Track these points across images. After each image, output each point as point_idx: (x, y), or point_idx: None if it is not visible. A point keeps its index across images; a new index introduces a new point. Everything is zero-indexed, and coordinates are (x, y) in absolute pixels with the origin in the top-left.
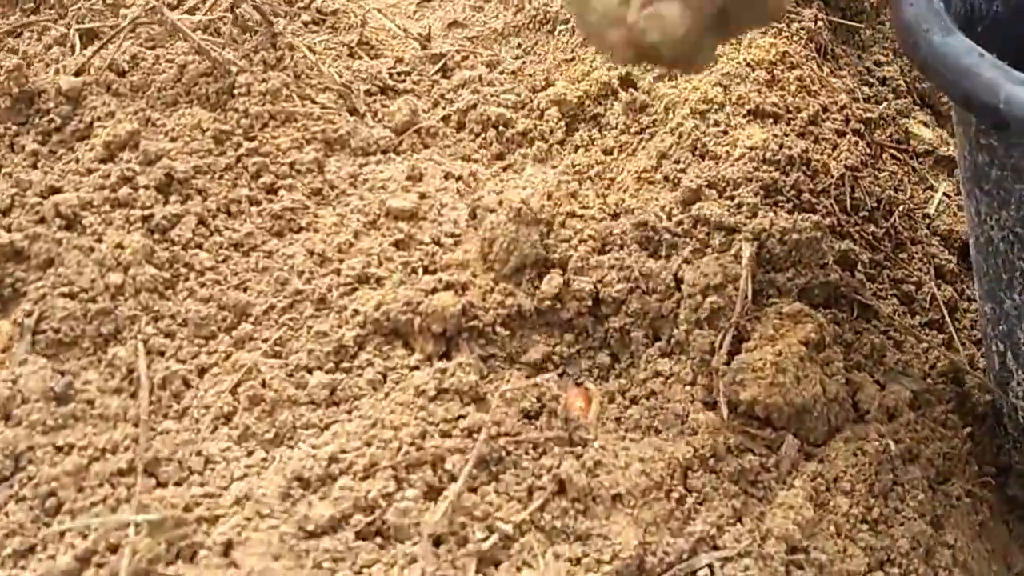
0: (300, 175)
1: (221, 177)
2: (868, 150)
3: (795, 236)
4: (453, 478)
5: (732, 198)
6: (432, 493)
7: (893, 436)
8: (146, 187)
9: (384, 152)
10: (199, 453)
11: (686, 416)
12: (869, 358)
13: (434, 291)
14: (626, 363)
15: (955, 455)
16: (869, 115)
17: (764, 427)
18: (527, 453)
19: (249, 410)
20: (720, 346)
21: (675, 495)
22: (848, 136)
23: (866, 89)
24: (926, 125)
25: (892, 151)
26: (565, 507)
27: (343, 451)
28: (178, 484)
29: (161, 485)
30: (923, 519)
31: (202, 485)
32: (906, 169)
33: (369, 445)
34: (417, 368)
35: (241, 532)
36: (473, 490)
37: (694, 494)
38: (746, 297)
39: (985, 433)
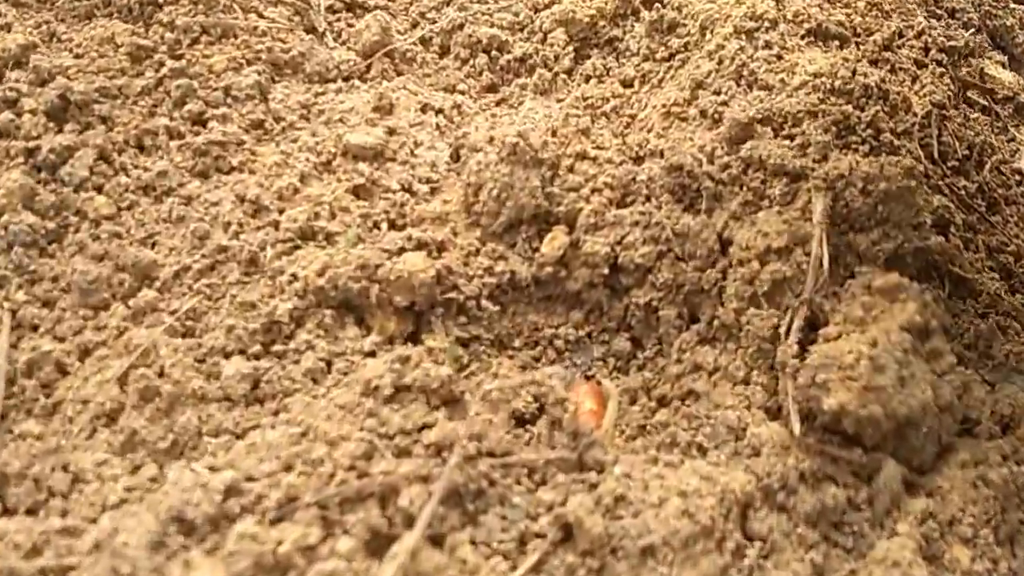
0: (237, 103)
1: (135, 103)
2: (952, 86)
3: (883, 185)
4: (410, 520)
5: (792, 137)
6: (377, 544)
7: (1013, 455)
8: (33, 112)
9: (347, 79)
10: (65, 468)
11: (742, 429)
12: (973, 349)
13: (401, 252)
14: (652, 350)
15: None
16: (953, 44)
17: (850, 446)
18: (519, 482)
19: (139, 408)
20: (787, 332)
21: (730, 545)
22: (930, 67)
23: (934, 22)
24: (1004, 67)
25: (975, 92)
26: (573, 564)
27: (250, 477)
28: (31, 512)
29: (7, 512)
30: None
31: (63, 515)
32: (989, 116)
33: (289, 469)
34: (372, 355)
35: None
36: (438, 540)
37: (757, 544)
38: (820, 265)
39: None
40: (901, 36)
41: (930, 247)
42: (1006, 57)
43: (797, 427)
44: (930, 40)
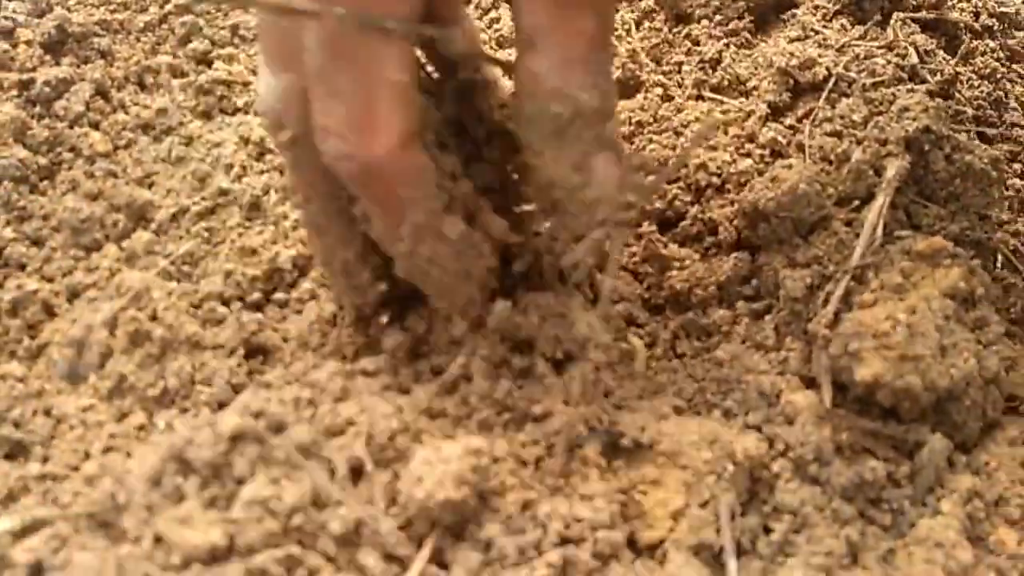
0: (245, 43)
1: (137, 39)
2: (1002, 53)
3: (968, 158)
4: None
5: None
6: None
7: None
8: (29, 43)
9: None
10: (48, 412)
11: (775, 395)
12: (1020, 324)
13: None
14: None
15: None
16: (1004, 10)
17: (888, 419)
18: None
19: (129, 353)
20: (825, 301)
21: (753, 521)
22: (982, 35)
23: None
24: None
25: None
26: None
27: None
28: (9, 457)
29: None
30: None
31: (44, 460)
32: None
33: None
34: None
35: (58, 552)
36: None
37: (786, 516)
38: (874, 231)
39: None
40: None
41: (990, 240)
42: None
43: (828, 399)
44: (980, 4)
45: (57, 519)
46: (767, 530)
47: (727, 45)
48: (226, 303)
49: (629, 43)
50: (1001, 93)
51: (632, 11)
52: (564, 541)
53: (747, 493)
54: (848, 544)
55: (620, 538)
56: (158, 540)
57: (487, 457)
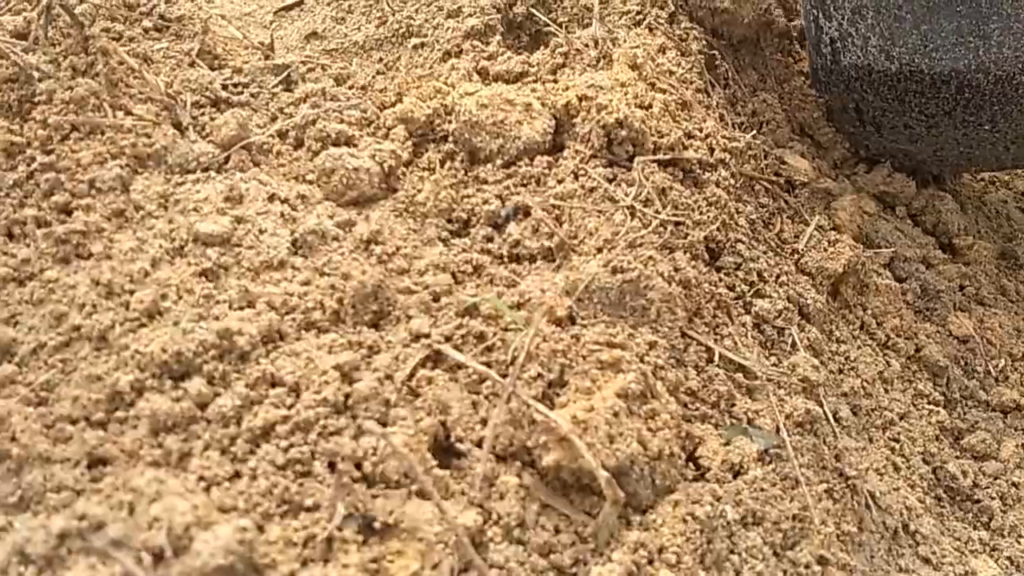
0: (100, 194)
1: (7, 195)
2: (733, 181)
3: (631, 275)
4: None
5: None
6: None
7: (735, 497)
8: None
9: (205, 170)
10: None
11: (495, 478)
12: (715, 408)
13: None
14: None
15: (807, 516)
16: (735, 144)
17: (582, 492)
18: None
19: None
20: (528, 404)
21: (473, 574)
22: (718, 168)
23: (728, 119)
24: (803, 156)
25: (763, 183)
26: None
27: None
28: None
29: None
30: None
31: None
32: (778, 203)
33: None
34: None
35: None
36: None
37: (494, 570)
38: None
39: (843, 488)
40: (690, 137)
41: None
42: (807, 146)
43: (530, 481)
44: (714, 142)
45: None
46: None
47: None
48: (74, 423)
49: None
50: (726, 216)
51: None
52: None
53: (468, 555)
54: None
55: None
56: None
57: (252, 532)
